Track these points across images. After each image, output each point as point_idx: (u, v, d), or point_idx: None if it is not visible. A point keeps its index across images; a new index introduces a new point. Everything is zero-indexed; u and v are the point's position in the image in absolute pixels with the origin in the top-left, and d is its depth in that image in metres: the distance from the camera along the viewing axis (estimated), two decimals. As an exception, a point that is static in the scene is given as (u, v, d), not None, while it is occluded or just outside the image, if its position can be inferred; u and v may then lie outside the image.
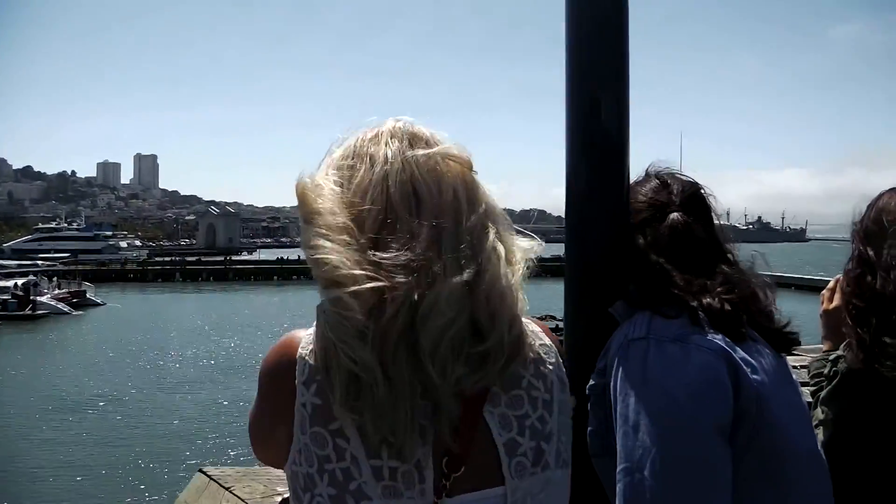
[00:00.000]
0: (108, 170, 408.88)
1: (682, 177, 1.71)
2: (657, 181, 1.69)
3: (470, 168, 1.26)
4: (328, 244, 1.14)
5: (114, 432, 23.64)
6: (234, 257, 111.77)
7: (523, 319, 1.25)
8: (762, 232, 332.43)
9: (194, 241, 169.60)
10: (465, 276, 1.13)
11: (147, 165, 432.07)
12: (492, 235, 1.21)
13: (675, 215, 1.59)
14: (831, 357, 1.83)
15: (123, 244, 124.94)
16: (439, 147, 1.24)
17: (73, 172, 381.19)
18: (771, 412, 1.38)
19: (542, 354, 1.27)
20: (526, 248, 1.28)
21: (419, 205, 1.18)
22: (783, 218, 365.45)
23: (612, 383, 1.43)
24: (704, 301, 1.45)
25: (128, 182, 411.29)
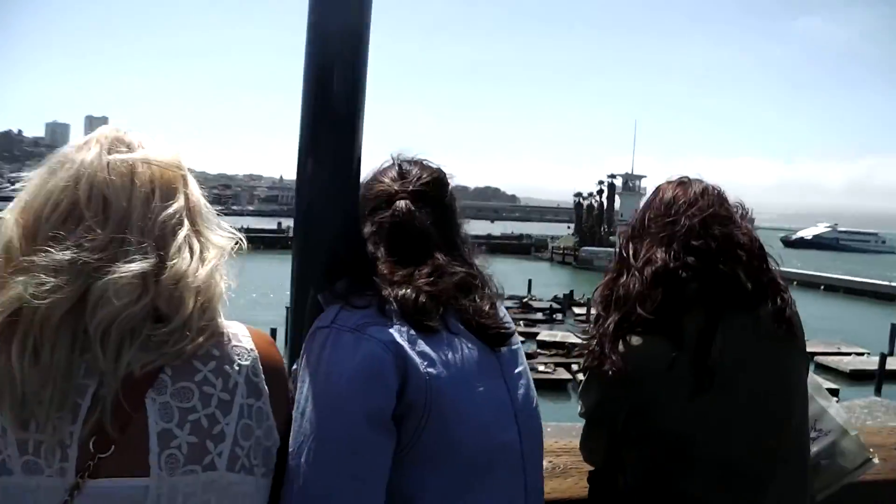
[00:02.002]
0: (57, 131, 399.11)
1: (426, 164, 1.72)
2: (396, 168, 1.70)
3: (177, 168, 1.35)
4: None
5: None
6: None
7: (222, 321, 1.32)
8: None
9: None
10: (141, 267, 1.19)
11: (98, 127, 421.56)
12: (184, 231, 1.29)
13: (400, 203, 1.61)
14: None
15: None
16: (138, 152, 1.32)
17: (20, 132, 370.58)
18: (446, 405, 1.40)
19: (234, 355, 1.30)
20: (222, 244, 1.35)
21: (106, 205, 1.24)
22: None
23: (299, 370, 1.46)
24: (400, 292, 1.47)
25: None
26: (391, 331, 1.41)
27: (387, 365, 1.37)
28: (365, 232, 1.61)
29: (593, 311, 1.94)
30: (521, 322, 37.25)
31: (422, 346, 1.42)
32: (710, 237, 1.77)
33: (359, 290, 1.48)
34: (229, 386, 1.27)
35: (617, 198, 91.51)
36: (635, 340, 1.73)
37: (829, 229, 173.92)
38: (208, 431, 1.23)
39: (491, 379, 1.52)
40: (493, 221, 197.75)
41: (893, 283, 61.20)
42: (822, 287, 67.84)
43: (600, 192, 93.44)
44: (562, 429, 9.10)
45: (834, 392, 26.24)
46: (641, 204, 1.98)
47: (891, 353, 27.68)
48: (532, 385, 1.65)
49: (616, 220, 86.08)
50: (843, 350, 35.37)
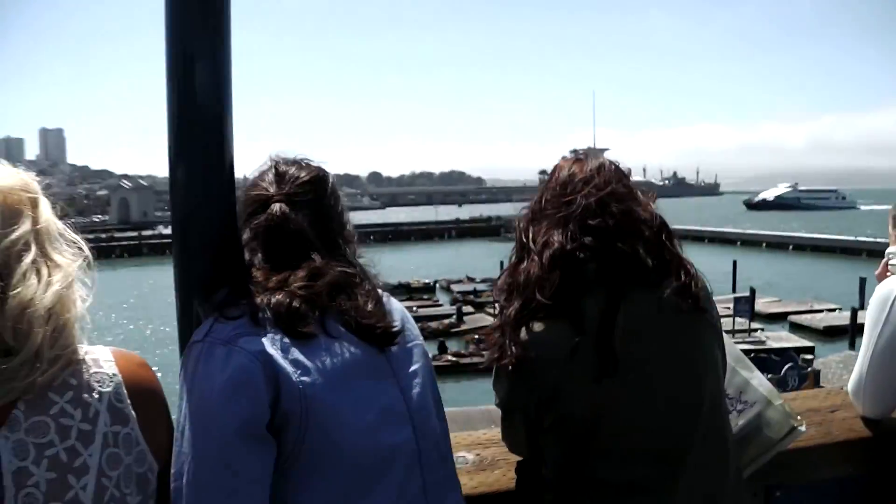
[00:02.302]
0: (11, 145, 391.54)
1: (306, 163, 1.69)
2: (273, 171, 1.66)
3: (21, 191, 1.29)
4: None
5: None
6: (146, 232, 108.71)
7: (82, 347, 1.28)
8: (678, 187, 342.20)
9: (107, 217, 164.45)
10: None
11: (54, 140, 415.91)
12: (30, 256, 1.23)
13: (275, 207, 1.57)
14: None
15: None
16: None
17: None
18: (325, 412, 1.38)
19: (93, 382, 1.26)
20: (65, 265, 1.29)
21: None
22: (698, 173, 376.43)
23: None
24: (273, 299, 1.43)
25: (34, 158, 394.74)
26: (263, 340, 1.37)
27: (256, 376, 1.34)
28: (243, 239, 1.58)
29: (497, 302, 1.85)
30: (497, 304, 37.28)
31: (295, 353, 1.39)
32: (607, 215, 1.71)
33: (234, 300, 1.44)
34: (90, 415, 1.22)
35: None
36: (536, 327, 1.68)
37: (789, 189, 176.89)
38: (69, 465, 1.18)
39: (378, 380, 1.50)
40: (460, 206, 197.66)
41: (860, 238, 62.20)
42: (791, 247, 68.95)
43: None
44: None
45: (809, 349, 26.73)
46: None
47: (861, 307, 28.05)
48: (431, 382, 1.63)
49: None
50: (815, 307, 36.05)
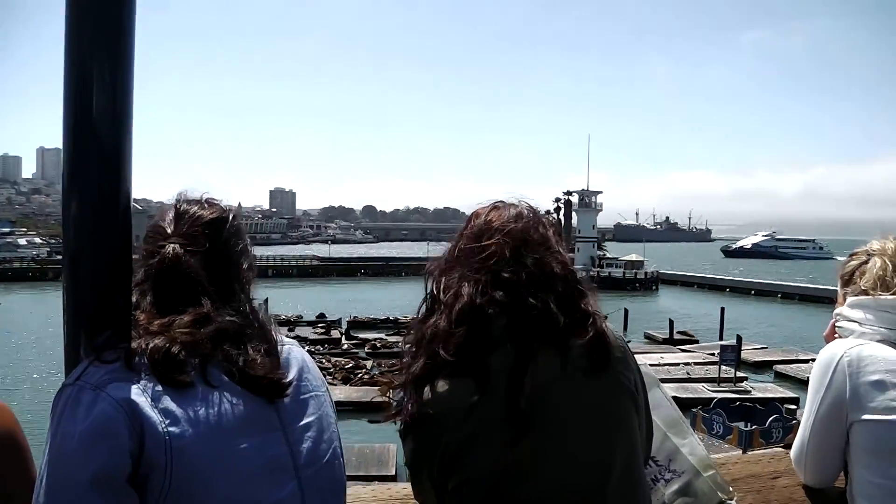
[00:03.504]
0: (9, 163, 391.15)
1: (209, 202, 1.65)
2: (173, 210, 1.61)
3: None
4: None
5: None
6: (136, 256, 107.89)
7: None
8: (669, 232, 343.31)
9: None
10: None
11: (51, 159, 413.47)
12: None
13: (168, 247, 1.52)
14: None
15: (22, 241, 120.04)
16: None
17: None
18: (193, 464, 1.33)
19: None
20: None
21: None
22: (690, 218, 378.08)
23: None
24: (151, 343, 1.38)
25: (30, 176, 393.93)
26: (132, 387, 1.33)
27: (118, 425, 1.29)
28: (135, 279, 1.53)
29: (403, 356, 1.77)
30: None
31: (166, 402, 1.34)
32: (520, 266, 1.65)
33: (113, 343, 1.40)
34: None
35: (574, 214, 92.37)
36: (440, 385, 1.61)
37: (767, 237, 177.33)
38: None
39: (261, 433, 1.45)
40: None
41: (847, 290, 62.27)
42: (779, 295, 69.08)
43: (557, 209, 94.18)
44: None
45: (793, 401, 26.64)
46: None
47: (847, 359, 28.00)
48: (329, 435, 1.60)
49: (573, 236, 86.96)
50: (801, 357, 35.98)
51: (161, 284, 1.49)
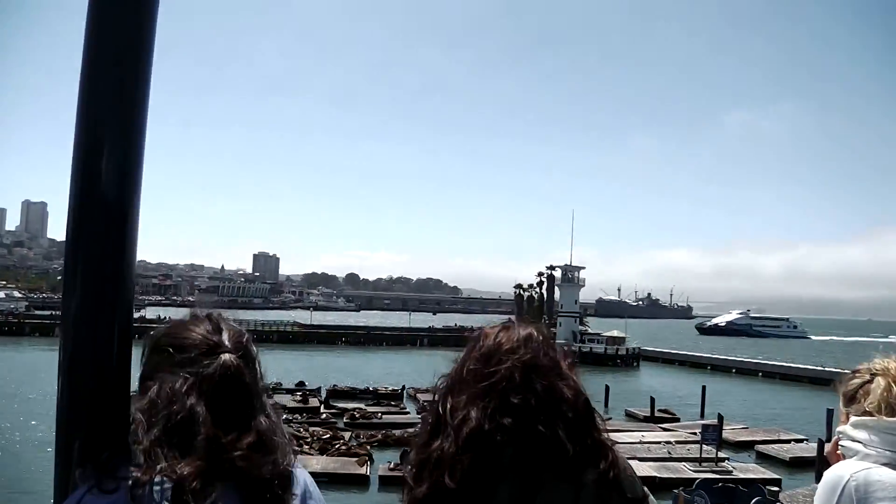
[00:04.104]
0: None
1: (232, 323, 1.62)
2: (209, 322, 1.58)
3: None
4: None
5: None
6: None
7: None
8: (651, 308, 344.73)
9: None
10: None
11: (36, 213, 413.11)
12: None
13: (225, 357, 1.50)
14: None
15: (1, 294, 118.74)
16: None
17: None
18: None
19: None
20: None
21: None
22: (671, 295, 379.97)
23: None
24: (158, 468, 1.33)
25: (13, 229, 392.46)
26: None
27: None
28: (177, 385, 1.44)
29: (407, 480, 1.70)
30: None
31: None
32: (530, 391, 1.62)
33: (113, 468, 1.34)
34: None
35: (556, 289, 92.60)
36: None
37: (741, 315, 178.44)
38: None
39: None
40: (434, 314, 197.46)
41: (828, 368, 62.53)
42: (760, 374, 69.10)
43: (540, 283, 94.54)
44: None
45: (776, 482, 26.40)
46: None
47: (828, 440, 27.94)
48: None
49: (556, 311, 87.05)
50: (783, 437, 35.85)
51: (219, 394, 1.44)
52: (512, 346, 1.70)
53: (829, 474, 2.19)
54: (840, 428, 2.33)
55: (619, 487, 1.60)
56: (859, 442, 2.20)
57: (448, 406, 1.67)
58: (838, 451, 2.29)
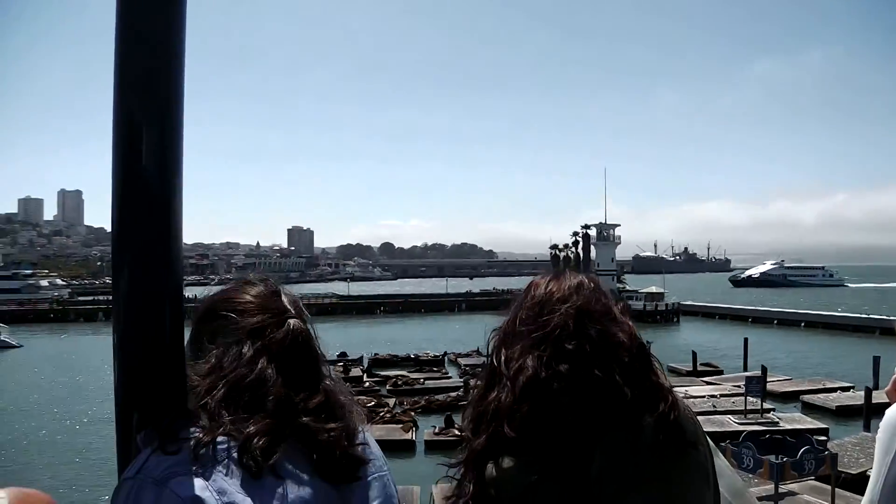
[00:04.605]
0: (30, 206, 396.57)
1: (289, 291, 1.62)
2: (266, 287, 1.59)
3: None
4: None
5: (31, 477, 22.63)
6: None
7: None
8: (688, 263, 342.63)
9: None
10: None
11: (72, 201, 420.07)
12: None
13: (292, 322, 1.52)
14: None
15: (44, 283, 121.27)
16: None
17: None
18: None
19: None
20: None
21: None
22: (709, 248, 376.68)
23: None
24: (222, 428, 1.34)
25: (51, 218, 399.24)
26: (197, 482, 1.28)
27: None
28: (244, 349, 1.45)
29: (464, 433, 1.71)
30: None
31: (232, 494, 1.29)
32: (584, 337, 1.61)
33: (175, 430, 1.34)
34: None
35: (592, 248, 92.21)
36: (503, 463, 1.56)
37: (775, 266, 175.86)
38: None
39: None
40: (471, 279, 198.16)
41: (872, 316, 61.65)
42: (803, 324, 68.35)
43: (575, 243, 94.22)
44: None
45: (823, 431, 26.21)
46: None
47: (876, 387, 27.66)
48: None
49: (593, 270, 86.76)
50: (828, 386, 35.49)
51: (287, 359, 1.46)
52: (563, 295, 1.70)
53: (890, 411, 2.17)
54: None
55: (680, 428, 1.58)
56: None
57: (502, 358, 1.67)
58: None
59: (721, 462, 1.79)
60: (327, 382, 1.52)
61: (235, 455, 1.32)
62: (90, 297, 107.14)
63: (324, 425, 1.44)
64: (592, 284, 1.76)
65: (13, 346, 58.56)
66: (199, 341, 1.52)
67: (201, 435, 1.33)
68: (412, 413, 30.91)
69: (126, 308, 1.44)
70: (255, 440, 1.33)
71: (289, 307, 1.55)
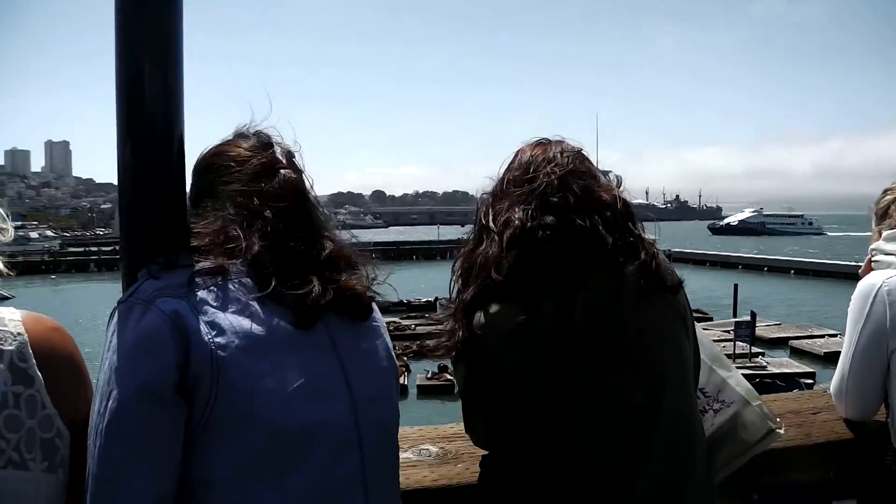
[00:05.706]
0: (17, 157, 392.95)
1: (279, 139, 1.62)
2: (256, 138, 1.59)
3: None
4: None
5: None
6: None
7: None
8: (680, 210, 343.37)
9: (110, 231, 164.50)
10: None
11: (59, 152, 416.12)
12: None
13: (284, 172, 1.52)
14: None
15: (34, 234, 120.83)
16: None
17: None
18: (239, 378, 1.30)
19: None
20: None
21: None
22: (700, 196, 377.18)
23: None
24: (220, 262, 1.37)
25: (39, 170, 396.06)
26: (180, 300, 1.30)
27: (162, 337, 1.27)
28: (250, 203, 1.46)
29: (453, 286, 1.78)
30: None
31: (215, 315, 1.31)
32: (568, 192, 1.68)
33: (173, 262, 1.38)
34: None
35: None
36: (490, 309, 1.62)
37: (754, 213, 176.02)
38: None
39: (312, 353, 1.41)
40: (463, 226, 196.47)
41: (862, 263, 62.02)
42: (792, 271, 68.82)
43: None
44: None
45: (810, 375, 26.60)
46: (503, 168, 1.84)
47: (862, 333, 27.92)
48: (387, 367, 1.57)
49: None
50: (816, 333, 35.90)
51: (289, 212, 1.47)
52: (548, 157, 1.77)
53: (862, 283, 2.26)
54: (873, 245, 2.39)
55: (660, 275, 1.66)
56: (892, 254, 2.26)
57: (491, 214, 1.75)
58: (871, 267, 2.35)
59: (700, 331, 1.87)
60: (334, 233, 1.55)
61: (236, 283, 1.36)
62: (81, 248, 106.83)
63: (337, 275, 1.48)
64: (575, 150, 1.82)
65: (5, 297, 58.40)
66: (195, 197, 1.55)
67: (202, 263, 1.37)
68: (404, 358, 31.14)
69: (132, 177, 1.51)
70: (261, 266, 1.38)
71: (281, 158, 1.56)
